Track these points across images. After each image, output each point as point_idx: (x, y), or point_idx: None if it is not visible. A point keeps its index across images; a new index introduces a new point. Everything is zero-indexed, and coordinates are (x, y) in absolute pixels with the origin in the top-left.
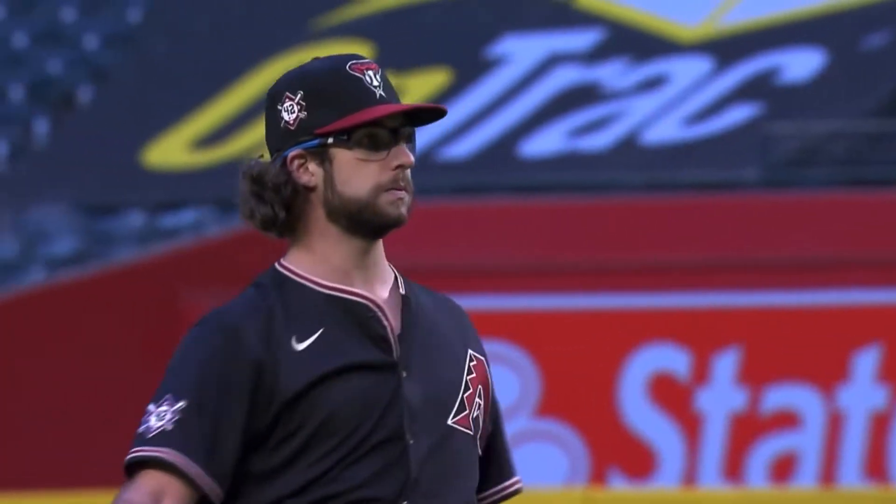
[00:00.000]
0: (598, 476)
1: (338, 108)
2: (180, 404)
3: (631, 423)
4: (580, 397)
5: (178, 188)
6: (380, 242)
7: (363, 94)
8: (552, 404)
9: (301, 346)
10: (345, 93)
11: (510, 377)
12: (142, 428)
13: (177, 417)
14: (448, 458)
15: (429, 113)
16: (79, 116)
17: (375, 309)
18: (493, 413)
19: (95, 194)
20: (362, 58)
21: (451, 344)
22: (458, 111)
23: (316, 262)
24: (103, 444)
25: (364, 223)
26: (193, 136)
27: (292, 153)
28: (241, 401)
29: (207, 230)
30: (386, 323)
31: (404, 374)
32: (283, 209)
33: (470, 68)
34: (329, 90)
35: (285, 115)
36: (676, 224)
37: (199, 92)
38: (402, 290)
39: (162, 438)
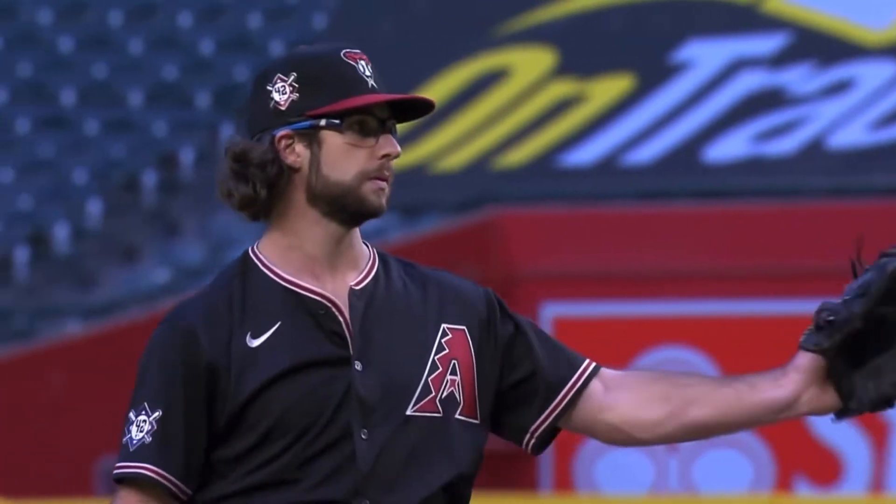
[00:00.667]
0: (783, 483)
1: (331, 93)
2: (156, 414)
3: (817, 429)
4: None
5: None
6: (349, 235)
7: (356, 82)
8: None
9: (255, 343)
10: (339, 78)
11: None
12: (125, 438)
13: (154, 429)
14: (409, 449)
15: (416, 108)
16: None
17: (329, 305)
18: (518, 355)
19: None
20: (354, 48)
21: (419, 326)
22: (641, 116)
23: (287, 248)
24: None
25: (344, 209)
26: None
27: (281, 133)
28: (203, 402)
29: (390, 236)
30: (340, 318)
31: (358, 368)
32: (265, 188)
33: (653, 73)
34: (323, 74)
35: (276, 96)
36: (863, 229)
37: None
38: (370, 276)
39: (143, 452)
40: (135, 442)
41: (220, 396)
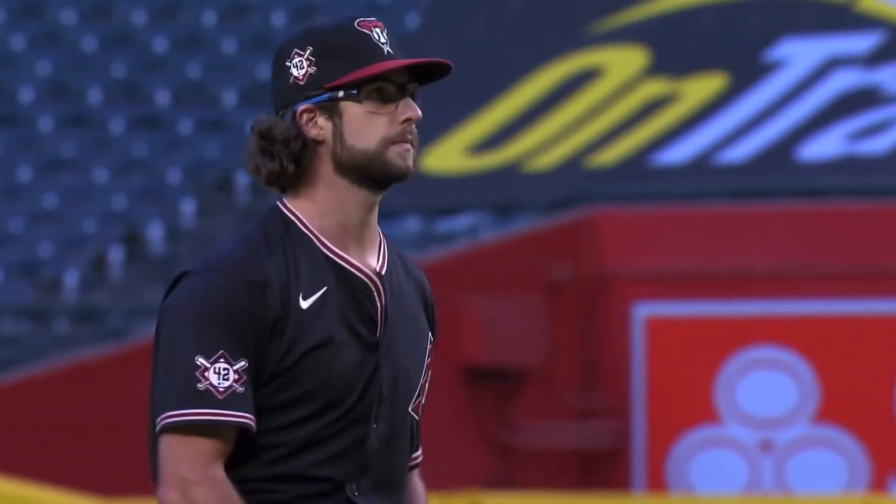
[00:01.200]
0: (878, 483)
1: (347, 63)
2: (240, 364)
3: None
4: (859, 403)
5: (454, 193)
6: (376, 205)
7: (372, 50)
8: (831, 411)
9: (305, 304)
10: (354, 48)
11: (788, 383)
12: (202, 385)
13: (244, 380)
14: (398, 445)
15: (436, 70)
16: None
17: (372, 288)
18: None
19: None
20: (369, 16)
21: (419, 326)
22: (734, 115)
23: (318, 216)
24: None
25: (372, 175)
26: (469, 142)
27: (301, 107)
28: (261, 354)
29: (482, 235)
30: (378, 303)
31: (381, 357)
32: (291, 162)
33: (747, 72)
34: (338, 46)
35: (294, 71)
36: None
37: (475, 97)
38: (386, 260)
39: (239, 402)
40: (222, 390)
41: (272, 351)
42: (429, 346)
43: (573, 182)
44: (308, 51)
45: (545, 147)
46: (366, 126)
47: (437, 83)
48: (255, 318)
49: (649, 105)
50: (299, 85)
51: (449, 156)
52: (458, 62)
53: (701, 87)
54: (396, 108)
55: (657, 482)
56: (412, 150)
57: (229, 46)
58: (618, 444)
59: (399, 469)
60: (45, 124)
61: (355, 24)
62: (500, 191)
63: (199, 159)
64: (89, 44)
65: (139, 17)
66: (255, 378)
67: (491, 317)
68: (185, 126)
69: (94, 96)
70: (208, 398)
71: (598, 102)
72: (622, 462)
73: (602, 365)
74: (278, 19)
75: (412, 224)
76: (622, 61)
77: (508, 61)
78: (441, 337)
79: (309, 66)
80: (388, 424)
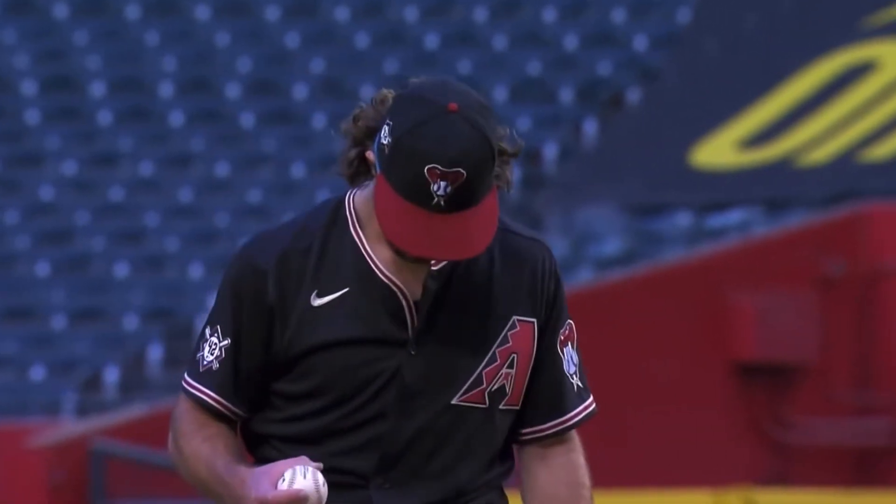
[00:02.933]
0: None
1: (396, 180)
2: (225, 342)
3: None
4: None
5: (726, 188)
6: None
7: (421, 194)
8: None
9: (319, 302)
10: (408, 177)
11: None
12: (197, 354)
13: (222, 357)
14: (443, 437)
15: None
16: (627, 117)
17: (396, 291)
18: (543, 362)
19: (642, 194)
20: (448, 168)
21: (489, 313)
22: None
23: (373, 215)
24: (644, 441)
25: None
26: (742, 136)
27: (369, 153)
28: (263, 341)
29: (754, 230)
30: (404, 303)
31: (412, 352)
32: (344, 166)
33: None
34: (401, 160)
35: (385, 129)
36: None
37: (748, 91)
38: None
39: (208, 378)
40: (203, 364)
41: (275, 342)
42: (508, 333)
43: (846, 177)
44: (390, 137)
45: (818, 142)
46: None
47: (710, 76)
48: (253, 302)
49: None
50: (380, 143)
51: (721, 150)
52: (731, 56)
53: None
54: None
55: None
56: (441, 265)
57: (570, 42)
58: (894, 442)
59: (451, 462)
60: (318, 121)
61: (426, 168)
62: (773, 186)
63: None
64: (362, 40)
65: (341, 14)
66: (269, 361)
67: (763, 312)
68: None
69: (300, 92)
70: (195, 368)
71: (872, 96)
72: None
73: (876, 361)
74: (618, 16)
75: (683, 219)
76: None
77: (781, 55)
78: (712, 332)
79: (385, 145)
80: (425, 419)
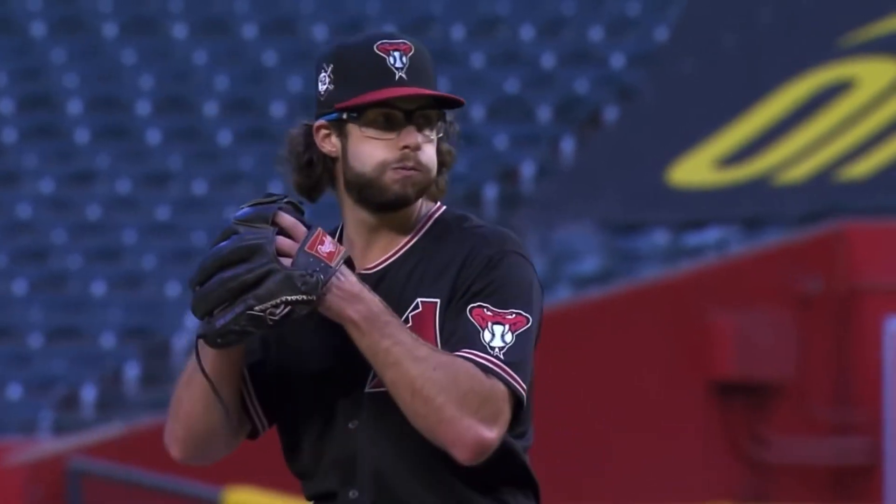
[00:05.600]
0: None
1: (356, 85)
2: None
3: None
4: None
5: (704, 206)
6: (401, 212)
7: (383, 74)
8: None
9: None
10: (365, 71)
11: None
12: None
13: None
14: (398, 434)
15: (449, 99)
16: (605, 135)
17: None
18: (449, 331)
19: (620, 213)
20: (394, 37)
21: (399, 299)
22: None
23: (343, 227)
24: (623, 459)
25: (368, 198)
26: (719, 154)
27: (318, 123)
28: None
29: (732, 249)
30: None
31: (322, 347)
32: (297, 173)
33: None
34: (352, 67)
35: (320, 86)
36: None
37: (725, 110)
38: (395, 257)
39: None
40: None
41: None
42: (408, 315)
43: (824, 195)
44: (329, 68)
45: (795, 160)
46: (364, 149)
47: (687, 95)
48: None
49: None
50: (321, 101)
51: (698, 169)
52: (708, 75)
53: None
54: (398, 134)
55: None
56: (413, 177)
57: (547, 61)
58: (871, 460)
59: (407, 459)
60: None
61: (375, 45)
62: (750, 204)
63: (449, 173)
64: None
65: (458, 32)
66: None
67: (741, 331)
68: None
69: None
70: None
71: (849, 115)
72: (875, 478)
73: (854, 379)
74: (595, 34)
75: (661, 237)
76: (874, 73)
77: (759, 74)
78: (690, 350)
79: (329, 83)
80: (352, 413)
